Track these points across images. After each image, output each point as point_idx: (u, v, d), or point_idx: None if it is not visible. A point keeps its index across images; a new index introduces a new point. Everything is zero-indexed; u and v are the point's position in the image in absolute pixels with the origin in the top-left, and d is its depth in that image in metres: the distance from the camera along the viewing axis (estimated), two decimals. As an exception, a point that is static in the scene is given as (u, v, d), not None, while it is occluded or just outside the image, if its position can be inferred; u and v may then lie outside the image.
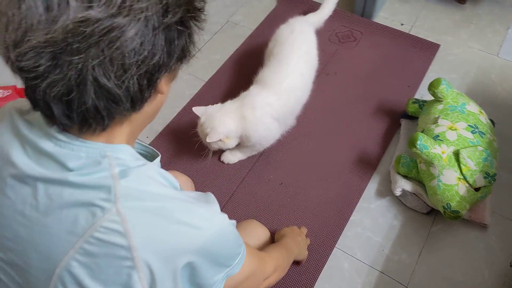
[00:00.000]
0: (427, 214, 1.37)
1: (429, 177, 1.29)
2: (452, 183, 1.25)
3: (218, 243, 0.62)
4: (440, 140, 1.30)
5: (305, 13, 1.68)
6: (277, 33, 1.56)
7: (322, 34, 1.83)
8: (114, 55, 0.49)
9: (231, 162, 1.49)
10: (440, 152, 1.26)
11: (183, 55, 0.60)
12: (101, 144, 0.58)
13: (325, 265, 1.28)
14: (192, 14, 0.57)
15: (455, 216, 1.25)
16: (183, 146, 1.53)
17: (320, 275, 1.27)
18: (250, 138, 1.36)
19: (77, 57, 0.48)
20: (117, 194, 0.54)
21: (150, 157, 0.73)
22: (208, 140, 1.28)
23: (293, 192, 1.42)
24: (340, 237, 1.34)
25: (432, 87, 1.40)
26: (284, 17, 1.90)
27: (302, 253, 1.21)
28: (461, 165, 1.25)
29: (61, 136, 0.57)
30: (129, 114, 0.58)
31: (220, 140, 1.31)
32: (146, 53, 0.51)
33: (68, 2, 0.47)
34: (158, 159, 0.70)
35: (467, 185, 1.25)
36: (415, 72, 1.72)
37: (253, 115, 1.32)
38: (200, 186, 1.42)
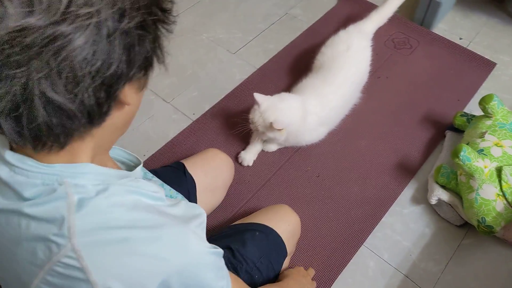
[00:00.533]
0: (460, 227, 1.37)
1: (468, 189, 1.29)
2: (490, 198, 1.24)
3: (191, 273, 0.58)
4: (484, 154, 1.29)
5: (364, 14, 1.69)
6: (334, 41, 1.58)
7: (378, 38, 1.84)
8: (62, 67, 0.44)
9: (270, 150, 1.54)
10: (482, 166, 1.26)
11: (148, 63, 0.54)
12: (59, 166, 0.53)
13: (351, 260, 1.31)
14: (156, 17, 0.51)
15: (489, 231, 1.24)
16: (226, 128, 1.59)
17: (344, 269, 1.29)
18: (296, 137, 1.42)
19: (19, 71, 0.43)
20: (72, 230, 0.50)
21: (132, 166, 0.74)
22: (275, 126, 1.30)
23: (328, 186, 1.45)
24: (369, 236, 1.36)
25: (483, 101, 1.39)
26: (343, 16, 1.94)
27: None
28: (502, 181, 1.24)
29: (14, 161, 0.53)
30: (89, 129, 0.53)
31: (279, 130, 1.33)
32: (100, 63, 0.46)
33: (5, 10, 0.42)
34: (139, 168, 0.68)
35: (505, 202, 1.24)
36: (467, 87, 1.71)
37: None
38: (237, 169, 1.47)
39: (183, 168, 1.19)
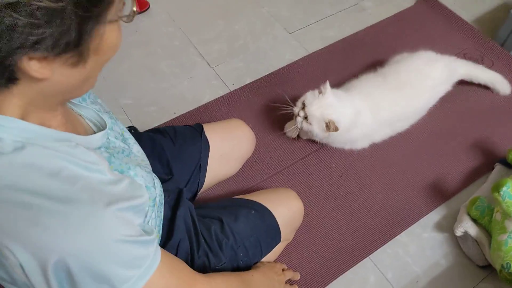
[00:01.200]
0: (481, 268, 1.22)
1: (500, 230, 1.15)
2: (524, 246, 1.09)
3: (93, 259, 0.53)
4: (530, 196, 1.14)
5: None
6: (418, 59, 1.44)
7: (449, 49, 1.70)
8: None
9: (293, 136, 1.45)
10: (524, 208, 1.11)
11: (55, 43, 0.49)
12: None
13: (351, 269, 1.22)
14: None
15: (511, 280, 1.10)
16: (261, 105, 1.54)
17: (342, 275, 1.21)
18: (334, 141, 1.38)
19: None
20: None
21: (100, 130, 0.72)
22: (336, 125, 1.23)
23: (350, 188, 1.36)
24: (378, 250, 1.26)
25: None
26: (416, 19, 1.80)
27: None
28: (543, 231, 1.09)
29: None
30: (1, 89, 0.53)
31: (330, 129, 1.25)
32: None
33: None
34: (99, 134, 0.67)
35: (540, 255, 1.09)
36: (535, 124, 1.52)
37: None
38: (259, 148, 1.42)
39: (201, 129, 1.17)
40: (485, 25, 1.81)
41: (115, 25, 0.55)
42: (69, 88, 0.57)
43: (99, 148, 0.68)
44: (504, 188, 1.11)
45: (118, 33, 0.56)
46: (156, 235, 0.65)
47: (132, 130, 1.28)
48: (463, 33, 1.76)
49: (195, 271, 0.73)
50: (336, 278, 1.20)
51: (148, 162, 0.84)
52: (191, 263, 0.90)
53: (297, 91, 1.56)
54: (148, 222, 0.73)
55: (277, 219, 1.04)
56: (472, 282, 1.21)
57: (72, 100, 0.72)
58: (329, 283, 1.20)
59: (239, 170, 1.30)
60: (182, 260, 0.72)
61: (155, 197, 0.77)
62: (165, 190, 0.94)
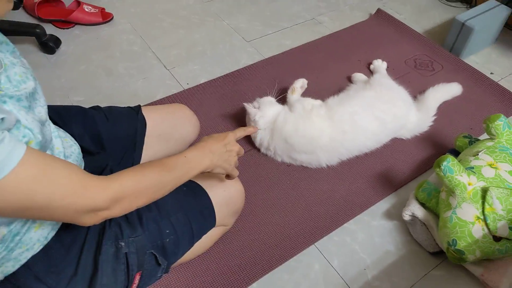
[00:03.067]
0: (433, 254, 1.16)
1: (446, 207, 1.10)
2: (468, 220, 1.05)
3: None
4: (472, 172, 1.11)
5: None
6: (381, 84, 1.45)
7: (400, 56, 1.75)
8: None
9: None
10: (466, 182, 1.08)
11: None
12: None
13: (295, 257, 1.15)
14: None
15: (458, 258, 1.04)
16: (213, 103, 1.54)
17: (284, 263, 1.14)
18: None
19: None
20: None
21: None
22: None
23: (297, 177, 1.32)
24: (325, 237, 1.20)
25: (488, 120, 1.22)
26: (370, 32, 1.86)
27: (225, 167, 0.92)
28: (486, 204, 1.05)
29: None
30: None
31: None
32: None
33: None
34: None
35: (485, 228, 1.04)
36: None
37: None
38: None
39: (138, 109, 1.15)
40: (435, 36, 1.87)
41: None
42: None
43: None
44: (445, 163, 1.08)
45: None
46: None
47: None
48: (414, 42, 1.82)
49: (89, 173, 0.67)
50: (278, 266, 1.13)
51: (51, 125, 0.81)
52: (102, 231, 0.84)
53: (251, 90, 1.58)
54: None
55: (211, 199, 0.99)
56: (424, 270, 1.14)
57: None
58: (271, 270, 1.12)
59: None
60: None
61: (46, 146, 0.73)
62: (93, 166, 0.91)
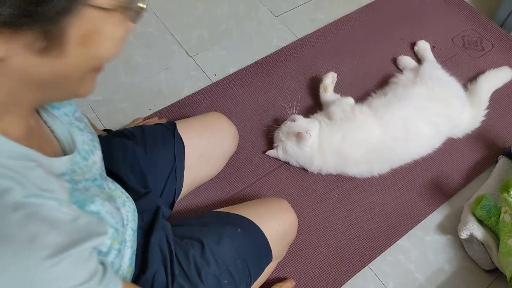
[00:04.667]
0: (488, 272, 1.14)
1: (510, 233, 1.06)
2: (537, 253, 1.01)
3: None
4: (543, 198, 1.05)
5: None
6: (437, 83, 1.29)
7: (447, 32, 1.58)
8: None
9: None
10: (537, 211, 1.02)
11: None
12: None
13: (349, 280, 1.12)
14: None
15: (524, 291, 1.02)
16: (247, 98, 1.40)
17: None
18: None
19: None
20: None
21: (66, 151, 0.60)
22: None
23: (345, 188, 1.25)
24: (378, 257, 1.16)
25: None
26: (413, 1, 1.67)
27: None
28: (558, 236, 1.00)
29: None
30: None
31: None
32: None
33: None
34: (65, 159, 0.55)
35: (555, 262, 1.00)
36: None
37: None
38: (246, 146, 1.30)
39: (173, 127, 1.02)
40: (485, 8, 1.69)
41: (112, 15, 0.44)
42: (42, 83, 0.45)
43: (63, 174, 0.55)
44: (516, 190, 1.01)
45: (117, 27, 0.45)
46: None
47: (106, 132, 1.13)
48: (461, 14, 1.64)
49: None
50: (334, 290, 1.11)
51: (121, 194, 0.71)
52: None
53: (287, 81, 1.43)
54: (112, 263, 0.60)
55: (267, 237, 0.92)
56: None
57: (49, 110, 0.59)
58: (327, 296, 1.10)
59: (224, 171, 1.17)
60: None
61: (124, 237, 0.64)
62: (139, 212, 0.81)
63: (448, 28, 1.59)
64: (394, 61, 1.49)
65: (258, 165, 1.27)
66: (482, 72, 1.44)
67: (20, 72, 0.43)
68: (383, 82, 1.43)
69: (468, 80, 1.44)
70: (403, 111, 1.21)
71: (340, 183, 1.26)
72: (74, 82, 0.48)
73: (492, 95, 1.41)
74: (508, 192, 1.03)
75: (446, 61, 1.50)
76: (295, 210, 1.01)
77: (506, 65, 1.46)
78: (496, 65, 1.48)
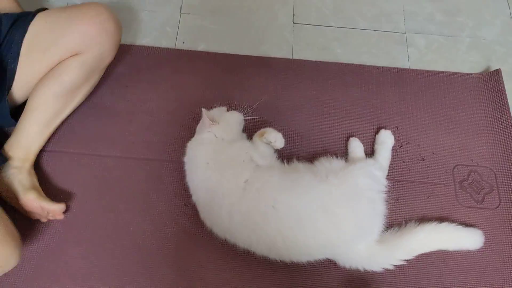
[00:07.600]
0: None
1: None
2: None
3: None
4: None
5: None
6: None
7: (453, 152, 1.18)
8: None
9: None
10: None
11: None
12: None
13: None
14: None
15: None
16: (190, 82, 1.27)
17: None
18: None
19: None
20: None
21: None
22: None
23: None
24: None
25: None
26: (457, 95, 1.27)
27: None
28: None
29: None
30: None
31: None
32: None
33: None
34: None
35: None
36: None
37: None
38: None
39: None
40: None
41: None
42: None
43: None
44: None
45: None
46: None
47: None
48: (489, 144, 1.19)
49: None
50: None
51: None
52: None
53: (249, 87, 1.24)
54: None
55: None
56: None
57: None
58: None
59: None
60: None
61: None
62: None
63: (460, 149, 1.17)
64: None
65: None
66: (451, 222, 1.05)
67: None
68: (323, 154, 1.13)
69: (419, 220, 1.07)
70: (292, 200, 0.95)
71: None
72: None
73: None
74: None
75: (422, 183, 1.13)
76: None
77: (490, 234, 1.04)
78: (483, 228, 1.06)
